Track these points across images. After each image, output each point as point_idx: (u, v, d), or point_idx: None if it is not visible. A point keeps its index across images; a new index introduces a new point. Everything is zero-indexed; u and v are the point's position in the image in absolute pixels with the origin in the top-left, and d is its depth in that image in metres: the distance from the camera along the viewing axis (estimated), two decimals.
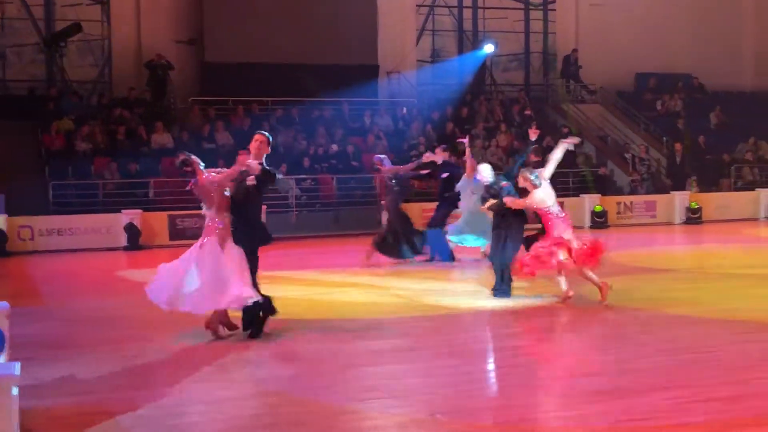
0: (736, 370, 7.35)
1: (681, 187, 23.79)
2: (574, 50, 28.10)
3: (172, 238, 19.01)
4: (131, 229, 18.74)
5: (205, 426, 6.20)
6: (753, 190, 24.07)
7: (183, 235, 18.36)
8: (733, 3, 30.11)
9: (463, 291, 12.26)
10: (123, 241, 18.75)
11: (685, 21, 28.26)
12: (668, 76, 28.31)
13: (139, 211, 19.22)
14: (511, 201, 10.53)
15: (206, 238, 8.62)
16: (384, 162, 15.05)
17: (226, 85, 23.94)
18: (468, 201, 14.36)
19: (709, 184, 24.65)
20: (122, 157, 20.95)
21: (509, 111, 26.62)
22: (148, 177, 20.84)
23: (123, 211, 19.06)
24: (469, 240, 14.67)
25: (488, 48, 27.39)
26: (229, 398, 6.83)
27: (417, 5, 27.52)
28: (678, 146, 24.87)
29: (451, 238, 14.86)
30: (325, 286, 13.00)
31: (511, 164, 13.27)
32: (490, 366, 8.19)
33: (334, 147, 22.96)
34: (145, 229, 19.00)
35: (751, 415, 6.06)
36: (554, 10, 28.89)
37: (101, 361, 8.03)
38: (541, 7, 28.97)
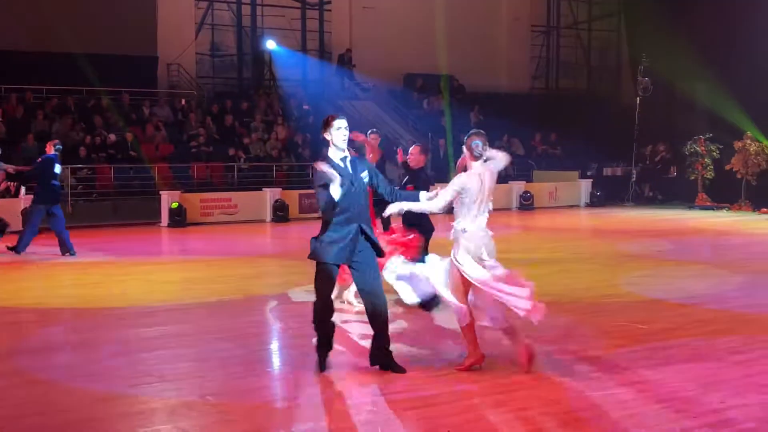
0: None
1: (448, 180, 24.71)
2: (348, 50, 28.68)
3: None
4: None
5: None
6: (507, 183, 25.49)
7: None
8: (490, 12, 31.71)
9: (241, 276, 12.31)
10: None
11: (448, 26, 29.38)
12: (433, 77, 29.45)
13: None
14: None
15: None
16: None
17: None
18: None
19: None
20: None
21: (287, 105, 26.87)
22: None
23: None
24: None
25: (270, 44, 27.54)
26: None
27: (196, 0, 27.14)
28: (442, 142, 25.98)
29: None
30: (100, 275, 12.61)
31: None
32: (261, 349, 8.24)
33: (112, 137, 22.27)
34: None
35: None
36: (330, 10, 29.32)
37: None
38: (317, 7, 29.30)
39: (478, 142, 6.79)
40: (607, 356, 7.35)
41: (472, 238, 6.67)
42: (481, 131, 6.96)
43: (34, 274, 12.83)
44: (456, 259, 6.70)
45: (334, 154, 6.78)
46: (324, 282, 6.78)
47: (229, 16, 28.13)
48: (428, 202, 6.91)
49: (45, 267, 13.47)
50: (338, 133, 6.73)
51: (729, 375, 6.77)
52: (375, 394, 6.33)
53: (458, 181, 6.73)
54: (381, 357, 6.77)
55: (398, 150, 10.63)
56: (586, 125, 29.19)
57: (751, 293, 10.65)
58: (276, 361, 7.78)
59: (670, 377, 6.67)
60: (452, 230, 6.79)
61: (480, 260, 6.66)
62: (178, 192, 20.82)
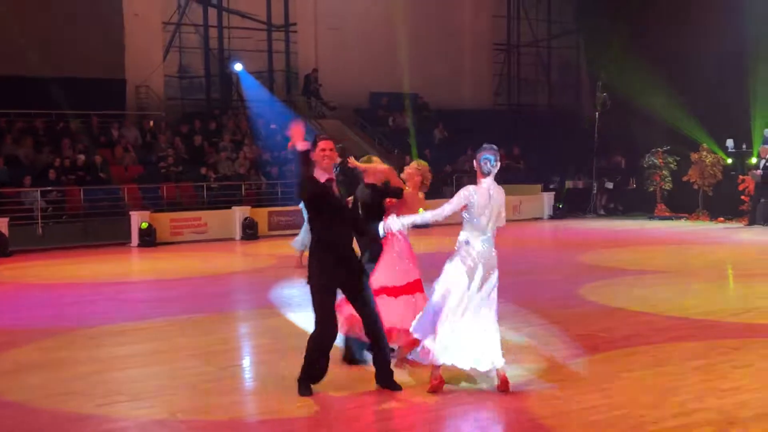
0: None
1: None
2: (314, 70, 28.69)
3: None
4: None
5: None
6: None
7: None
8: (452, 31, 31.87)
9: (212, 294, 12.24)
10: None
11: (412, 46, 29.44)
12: (398, 96, 29.52)
13: None
14: None
15: None
16: None
17: None
18: None
19: (434, 193, 25.85)
20: None
21: (255, 125, 26.82)
22: None
23: None
24: None
25: (237, 66, 27.56)
26: None
27: (163, 22, 26.99)
28: (407, 159, 26.00)
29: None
30: (71, 296, 12.49)
31: None
32: (230, 365, 8.18)
33: (81, 158, 22.10)
34: None
35: None
36: (296, 32, 29.28)
37: None
38: (283, 29, 29.30)
39: (489, 157, 6.64)
40: (570, 364, 7.40)
41: (472, 252, 6.56)
42: (494, 146, 6.79)
43: (1, 296, 12.66)
44: (447, 266, 6.63)
45: (319, 175, 6.52)
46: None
47: (197, 39, 28.04)
48: (430, 212, 6.80)
49: (15, 288, 13.32)
50: (322, 154, 6.50)
51: (688, 380, 6.83)
52: (345, 404, 6.32)
53: (464, 193, 6.58)
54: (383, 378, 6.63)
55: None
56: (547, 140, 29.42)
57: (710, 300, 10.76)
58: (245, 376, 7.73)
59: (631, 384, 6.72)
60: (457, 241, 6.67)
61: (472, 275, 6.50)
62: (148, 212, 20.68)
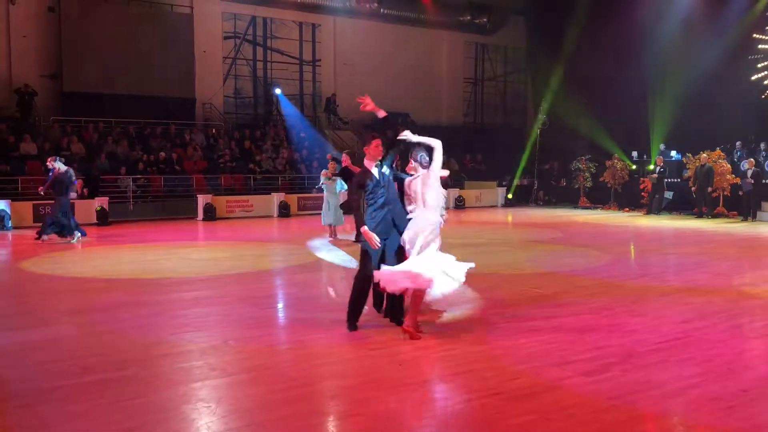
0: None
1: None
2: (333, 94, 28.57)
3: (34, 221, 17.40)
4: (1, 213, 17.06)
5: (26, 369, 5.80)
6: (446, 189, 25.50)
7: (41, 219, 16.92)
8: (433, 68, 31.74)
9: (254, 255, 12.22)
10: None
11: (404, 78, 29.39)
12: (394, 114, 29.34)
13: (8, 201, 17.48)
14: None
15: None
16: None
17: (79, 107, 22.40)
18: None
19: None
20: None
21: (289, 133, 26.73)
22: (17, 175, 19.10)
23: None
24: None
25: (277, 90, 27.43)
26: (70, 337, 6.41)
27: (223, 57, 26.83)
28: (397, 156, 25.89)
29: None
30: (151, 255, 12.49)
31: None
32: (267, 307, 8.15)
33: (162, 155, 22.04)
34: (14, 214, 17.31)
35: None
36: (320, 66, 29.15)
37: None
38: (311, 63, 29.14)
39: (423, 155, 6.37)
40: (512, 312, 7.40)
41: (413, 225, 6.20)
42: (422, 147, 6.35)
43: (100, 254, 12.66)
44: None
45: (368, 163, 6.25)
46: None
47: (248, 70, 27.88)
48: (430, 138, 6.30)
49: (109, 249, 13.31)
50: (377, 150, 6.23)
51: (600, 324, 6.84)
52: (358, 341, 6.31)
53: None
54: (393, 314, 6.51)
55: (343, 157, 11.39)
56: (502, 149, 29.36)
57: (616, 267, 10.77)
58: (280, 316, 7.73)
59: (558, 326, 6.72)
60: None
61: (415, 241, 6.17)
62: (210, 195, 20.68)
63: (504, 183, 27.68)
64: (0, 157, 19.53)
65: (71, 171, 14.32)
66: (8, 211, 17.21)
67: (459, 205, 25.04)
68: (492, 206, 26.14)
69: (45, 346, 6.05)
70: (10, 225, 17.05)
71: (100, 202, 18.55)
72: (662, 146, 23.23)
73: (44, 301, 8.30)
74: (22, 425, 4.26)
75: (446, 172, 6.71)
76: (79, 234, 14.12)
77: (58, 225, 13.92)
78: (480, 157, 30.04)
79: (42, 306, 8.01)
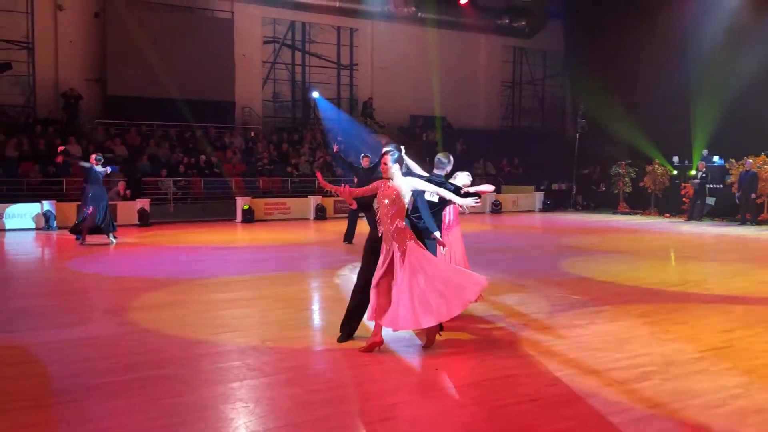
0: None
1: None
2: (370, 98, 28.66)
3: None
4: (47, 214, 17.52)
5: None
6: None
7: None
8: (471, 72, 31.58)
9: (291, 258, 12.32)
10: (42, 223, 17.53)
11: (442, 82, 29.24)
12: (430, 118, 29.39)
13: (54, 201, 17.96)
14: None
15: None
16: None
17: (122, 111, 22.84)
18: None
19: None
20: (42, 161, 19.62)
21: (326, 137, 26.88)
22: (62, 177, 19.59)
23: (42, 201, 17.86)
24: None
25: (315, 94, 27.64)
26: (113, 335, 6.56)
27: (262, 61, 27.13)
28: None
29: None
30: (191, 255, 12.67)
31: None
32: (304, 309, 8.20)
33: (203, 158, 22.37)
34: (59, 215, 17.77)
35: None
36: (357, 69, 29.28)
37: None
38: (348, 68, 29.30)
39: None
40: (550, 318, 7.33)
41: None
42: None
43: (142, 255, 12.90)
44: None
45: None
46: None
47: (286, 74, 28.15)
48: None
49: (153, 249, 13.55)
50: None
51: (638, 332, 6.73)
52: (395, 344, 6.32)
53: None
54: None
55: (363, 157, 11.50)
56: (540, 153, 29.09)
57: (655, 274, 10.58)
58: (315, 318, 7.77)
59: (596, 333, 6.64)
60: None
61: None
62: (249, 197, 20.90)
63: (542, 187, 27.38)
64: (47, 159, 20.01)
65: (102, 171, 13.84)
66: (53, 211, 17.67)
67: (496, 209, 24.85)
68: (529, 211, 25.89)
69: (89, 344, 6.20)
70: (55, 225, 17.48)
71: (142, 203, 18.92)
72: (705, 151, 22.73)
73: (88, 300, 8.50)
74: (65, 420, 4.38)
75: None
76: (79, 239, 13.87)
77: (90, 221, 13.63)
78: (517, 161, 29.79)
79: (86, 304, 8.21)
